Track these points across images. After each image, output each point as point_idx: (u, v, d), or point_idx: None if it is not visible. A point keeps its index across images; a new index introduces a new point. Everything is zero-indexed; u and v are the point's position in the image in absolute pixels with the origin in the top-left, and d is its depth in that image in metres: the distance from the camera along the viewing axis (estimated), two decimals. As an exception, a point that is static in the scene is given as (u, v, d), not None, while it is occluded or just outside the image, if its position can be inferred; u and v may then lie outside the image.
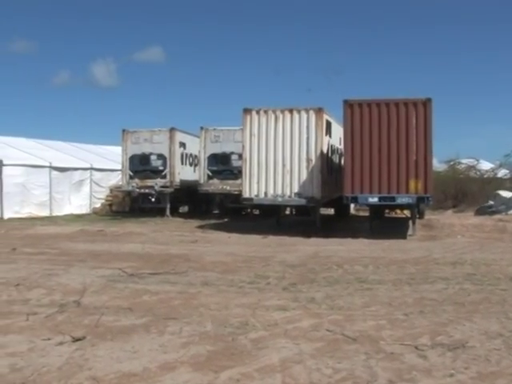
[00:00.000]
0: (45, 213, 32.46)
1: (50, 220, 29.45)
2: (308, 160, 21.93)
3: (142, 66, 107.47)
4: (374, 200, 20.17)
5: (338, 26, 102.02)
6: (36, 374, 5.83)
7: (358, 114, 20.12)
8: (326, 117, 22.56)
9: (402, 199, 20.09)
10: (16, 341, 7.03)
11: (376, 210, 22.64)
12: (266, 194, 22.05)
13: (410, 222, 21.74)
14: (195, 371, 5.90)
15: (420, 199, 20.15)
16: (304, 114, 22.08)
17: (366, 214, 24.89)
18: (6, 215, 30.54)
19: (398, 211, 28.39)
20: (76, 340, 6.96)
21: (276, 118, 22.07)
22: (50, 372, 5.91)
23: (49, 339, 7.04)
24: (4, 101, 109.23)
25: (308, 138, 21.95)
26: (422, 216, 25.71)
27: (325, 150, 22.44)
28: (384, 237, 19.38)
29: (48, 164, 33.36)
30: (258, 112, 22.20)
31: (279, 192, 21.98)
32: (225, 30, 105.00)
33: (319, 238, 19.42)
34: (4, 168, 30.90)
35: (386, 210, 27.59)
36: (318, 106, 22.26)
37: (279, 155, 21.98)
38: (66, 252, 15.93)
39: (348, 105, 20.14)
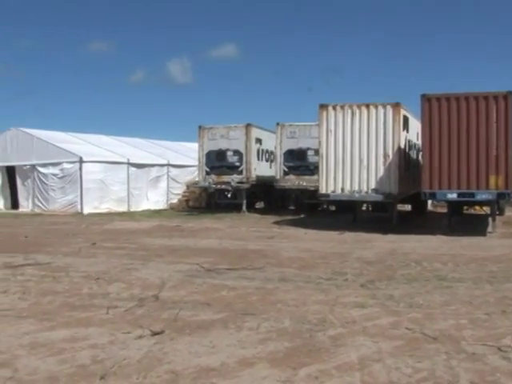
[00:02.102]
0: (123, 208, 33.07)
1: (128, 215, 29.98)
2: (385, 155, 21.67)
3: (216, 63, 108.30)
4: (452, 196, 19.78)
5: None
6: (116, 366, 5.92)
7: (437, 109, 19.74)
8: (403, 111, 22.24)
9: (482, 195, 19.63)
10: (97, 333, 7.17)
11: (455, 206, 22.21)
12: (342, 189, 21.89)
13: (490, 219, 21.22)
14: (273, 367, 5.88)
15: (500, 195, 19.66)
16: (381, 109, 21.82)
17: (444, 210, 24.48)
18: (86, 210, 31.24)
19: (477, 208, 27.80)
20: (155, 334, 7.04)
21: (352, 114, 21.88)
22: (130, 365, 6.00)
23: (128, 332, 7.15)
24: (83, 99, 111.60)
25: (385, 134, 21.68)
26: (502, 213, 25.14)
27: (402, 146, 22.13)
28: (463, 234, 19.01)
29: (126, 160, 33.95)
30: (334, 107, 22.05)
31: (356, 188, 21.79)
32: (298, 24, 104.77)
33: (396, 234, 19.18)
34: (84, 164, 31.60)
35: (465, 207, 27.03)
36: (395, 100, 22.01)
37: (356, 151, 21.79)
38: (144, 247, 16.17)
39: (426, 99, 19.78)
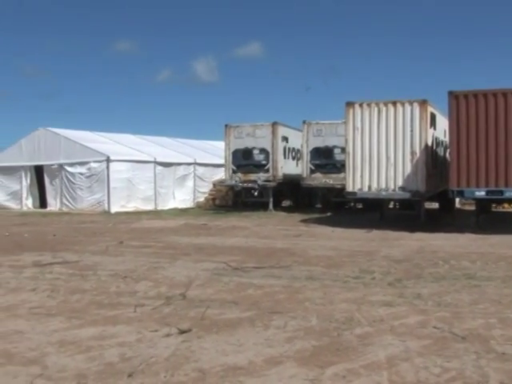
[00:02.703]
0: (150, 207, 33.23)
1: (155, 214, 30.09)
2: (412, 153, 21.55)
3: (242, 62, 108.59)
4: (480, 194, 19.60)
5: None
6: (144, 364, 5.95)
7: (464, 106, 19.56)
8: (430, 109, 22.11)
9: (511, 193, 19.44)
10: (125, 331, 7.20)
11: (483, 204, 22.02)
12: (369, 187, 21.81)
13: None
14: (300, 366, 5.87)
15: (529, 193, 19.45)
16: (408, 106, 21.70)
17: (472, 208, 24.29)
18: (113, 209, 31.43)
19: (506, 205, 27.55)
20: (182, 332, 7.06)
21: (379, 111, 21.79)
22: (157, 363, 6.02)
23: (156, 331, 7.17)
24: (110, 99, 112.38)
25: (412, 131, 21.56)
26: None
27: (429, 143, 21.99)
28: (491, 232, 18.84)
29: (153, 159, 34.10)
30: (360, 105, 21.97)
31: (383, 186, 21.71)
32: (323, 22, 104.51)
33: (424, 232, 19.05)
34: (111, 164, 31.79)
35: (493, 204, 26.79)
36: (422, 98, 21.87)
37: (383, 148, 21.70)
38: (171, 245, 16.23)
39: (453, 96, 19.62)
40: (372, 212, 25.57)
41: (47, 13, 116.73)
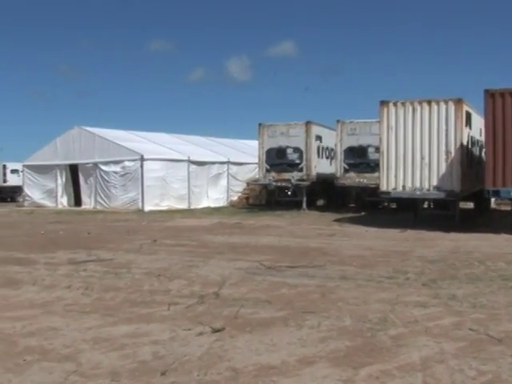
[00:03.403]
0: (183, 205, 33.36)
1: (189, 213, 30.19)
2: (447, 152, 21.33)
3: (275, 61, 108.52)
4: (517, 194, 19.35)
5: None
6: (177, 363, 5.95)
7: (500, 104, 19.28)
8: (465, 107, 21.87)
9: (548, 193, 19.15)
10: (158, 329, 7.22)
11: (519, 204, 21.75)
12: (403, 187, 21.65)
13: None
14: (334, 366, 5.84)
15: None
16: (443, 105, 21.48)
17: (508, 208, 23.98)
18: (147, 208, 31.60)
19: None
20: (215, 331, 7.06)
21: (413, 110, 21.60)
22: (190, 361, 6.02)
23: (189, 329, 7.18)
24: (144, 98, 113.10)
25: (447, 130, 21.34)
26: None
27: (464, 142, 21.76)
28: (528, 232, 18.59)
29: (186, 158, 34.22)
30: (395, 104, 21.81)
31: (417, 185, 21.52)
32: (357, 21, 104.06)
33: (459, 232, 18.85)
34: (145, 162, 31.98)
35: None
36: (457, 96, 21.66)
37: (417, 148, 21.51)
38: (205, 244, 16.26)
39: (489, 94, 19.35)
40: (406, 212, 25.35)
41: (82, 12, 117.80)
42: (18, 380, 5.54)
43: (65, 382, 5.48)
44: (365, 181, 28.89)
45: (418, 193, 21.66)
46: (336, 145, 30.32)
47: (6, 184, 50.53)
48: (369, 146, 29.05)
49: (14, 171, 49.03)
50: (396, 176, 21.65)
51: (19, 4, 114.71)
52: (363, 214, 27.60)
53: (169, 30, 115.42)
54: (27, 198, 38.39)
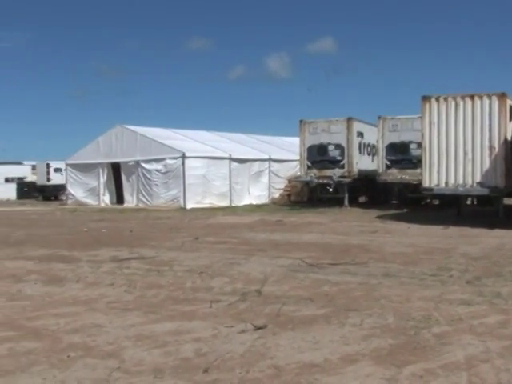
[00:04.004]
0: (225, 203, 33.43)
1: (230, 210, 30.25)
2: (491, 148, 21.03)
3: (314, 57, 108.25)
4: None
5: None
6: (220, 360, 5.95)
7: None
8: (509, 102, 21.52)
9: None
10: (200, 327, 7.24)
11: None
12: (446, 183, 21.40)
13: None
14: (377, 365, 5.78)
15: None
16: (486, 100, 21.17)
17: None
18: (189, 205, 31.75)
19: None
20: (258, 328, 7.04)
21: (456, 105, 21.33)
22: (233, 359, 6.02)
23: (231, 327, 7.18)
24: (185, 96, 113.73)
25: (490, 125, 21.03)
26: None
27: (509, 137, 21.40)
28: None
29: (228, 156, 34.28)
30: (437, 99, 21.56)
31: (460, 181, 21.26)
32: (398, 17, 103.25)
33: (503, 229, 18.56)
34: (186, 160, 32.12)
35: None
36: (501, 91, 21.33)
37: (460, 143, 21.24)
38: (247, 241, 16.27)
39: (535, 89, 19.05)
40: (449, 208, 25.09)
41: (124, 13, 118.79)
42: (62, 376, 5.60)
43: (108, 378, 5.52)
44: (407, 177, 28.64)
45: (461, 189, 21.39)
46: (377, 141, 30.12)
47: (49, 183, 51.16)
48: (410, 142, 28.80)
49: (57, 170, 49.61)
50: (439, 172, 21.41)
51: (62, 5, 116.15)
52: (405, 210, 27.34)
53: (208, 28, 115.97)
54: (70, 197, 38.87)
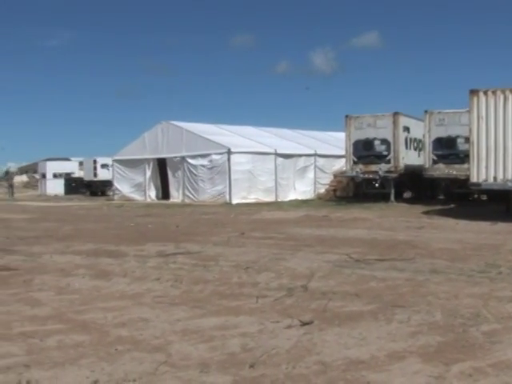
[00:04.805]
0: (270, 198, 33.45)
1: (276, 205, 30.25)
2: (540, 142, 20.64)
3: (359, 52, 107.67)
4: None
5: None
6: (266, 356, 5.95)
7: None
8: (560, 94, 21.11)
9: None
10: (247, 322, 7.24)
11: None
12: (495, 178, 21.07)
13: None
14: (424, 362, 5.71)
15: None
16: (535, 93, 20.80)
17: None
18: (234, 200, 31.84)
19: None
20: (304, 324, 7.02)
21: (505, 99, 20.97)
22: (279, 354, 6.01)
23: (278, 322, 7.17)
24: (230, 92, 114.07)
25: (540, 119, 20.65)
26: None
27: (559, 131, 21.01)
28: None
29: (273, 151, 34.28)
30: (485, 93, 21.22)
31: (509, 177, 20.90)
32: (444, 10, 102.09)
33: (554, 225, 18.25)
34: (232, 156, 32.20)
35: None
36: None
37: (509, 138, 20.87)
38: (293, 237, 16.24)
39: None
40: (497, 204, 24.71)
41: (167, 9, 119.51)
42: (110, 369, 5.65)
43: (155, 371, 5.56)
44: (454, 172, 28.29)
45: (509, 184, 21.03)
46: (424, 136, 29.78)
47: (96, 178, 51.79)
48: (458, 136, 28.39)
49: (103, 166, 50.19)
50: (487, 167, 21.08)
51: (109, 4, 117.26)
52: (452, 206, 27.02)
53: (252, 24, 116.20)
54: (117, 192, 39.30)
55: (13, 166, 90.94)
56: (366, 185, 32.02)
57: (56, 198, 49.44)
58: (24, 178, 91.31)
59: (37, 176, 72.03)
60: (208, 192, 33.39)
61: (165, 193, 36.87)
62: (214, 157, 33.03)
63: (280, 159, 34.54)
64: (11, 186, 53.49)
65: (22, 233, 18.36)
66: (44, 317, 7.67)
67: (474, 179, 21.39)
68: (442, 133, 28.92)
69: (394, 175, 30.31)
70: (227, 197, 32.40)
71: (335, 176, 36.23)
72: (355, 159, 31.21)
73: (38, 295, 9.06)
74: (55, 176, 57.83)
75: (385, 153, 30.58)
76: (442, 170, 28.87)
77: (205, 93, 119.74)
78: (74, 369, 5.68)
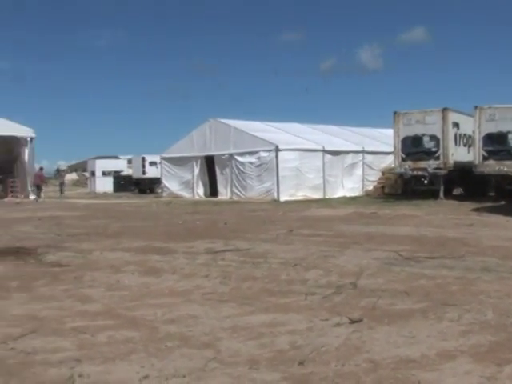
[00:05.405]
0: (318, 195, 33.41)
1: (324, 202, 30.18)
2: None
3: (407, 48, 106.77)
4: None
5: None
6: (315, 353, 5.92)
7: None
8: None
9: None
10: (295, 319, 7.22)
11: None
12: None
13: None
14: (476, 362, 5.63)
15: None
16: None
17: None
18: (282, 198, 31.88)
19: None
20: (353, 322, 6.98)
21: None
22: (328, 352, 5.98)
23: (326, 319, 7.14)
24: (276, 89, 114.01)
25: None
26: None
27: None
28: None
29: (321, 148, 34.22)
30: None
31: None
32: (494, 5, 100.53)
33: None
34: (280, 153, 32.23)
35: None
36: None
37: None
38: (341, 234, 16.17)
39: None
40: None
41: (212, 6, 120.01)
42: (160, 365, 5.69)
43: (204, 368, 5.58)
44: (505, 168, 27.86)
45: None
46: (474, 132, 29.36)
47: (145, 176, 52.28)
48: (509, 132, 27.98)
49: (152, 163, 50.65)
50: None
51: (154, 3, 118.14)
52: (503, 203, 26.63)
53: (299, 20, 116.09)
54: (165, 189, 39.66)
55: (63, 165, 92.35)
56: (414, 182, 31.79)
57: (105, 195, 50.08)
58: (74, 176, 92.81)
59: (86, 174, 73.10)
60: (256, 189, 33.47)
61: (213, 190, 37.07)
62: (262, 154, 33.09)
63: (328, 156, 34.46)
64: (62, 184, 54.28)
65: (72, 230, 18.61)
66: (95, 312, 7.77)
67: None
68: (493, 128, 28.48)
69: (443, 172, 30.01)
70: (275, 194, 32.44)
71: (383, 173, 36.02)
72: (404, 156, 30.98)
73: (89, 291, 9.17)
74: (104, 174, 58.62)
75: (434, 149, 30.29)
76: (493, 167, 28.44)
77: (251, 89, 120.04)
78: (124, 364, 5.74)
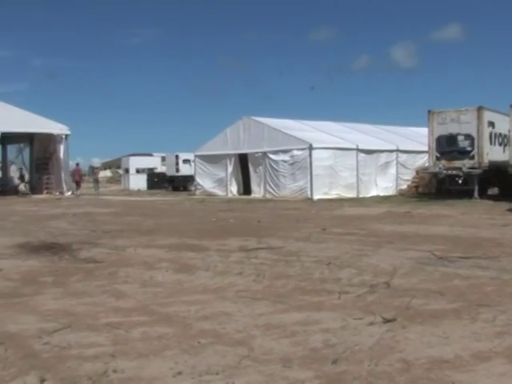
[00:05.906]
0: (351, 194, 33.29)
1: (357, 201, 30.08)
2: None
3: (441, 45, 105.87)
4: None
5: None
6: (348, 352, 5.93)
7: None
8: None
9: None
10: (329, 318, 7.23)
11: None
12: None
13: None
14: (511, 363, 5.60)
15: None
16: None
17: None
18: (316, 196, 31.82)
19: None
20: (387, 321, 6.97)
21: None
22: (361, 351, 5.98)
23: (360, 318, 7.14)
24: (309, 86, 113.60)
25: None
26: None
27: None
28: None
29: (355, 147, 34.09)
30: None
31: None
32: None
33: None
34: (313, 151, 32.18)
35: None
36: None
37: None
38: (374, 233, 16.11)
39: None
40: None
41: (246, 9, 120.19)
42: (193, 361, 5.74)
43: (238, 365, 5.61)
44: (541, 168, 27.52)
45: None
46: (510, 131, 29.03)
47: (178, 174, 52.44)
48: (546, 131, 27.64)
49: (185, 161, 50.77)
50: None
51: (189, 3, 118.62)
52: (540, 203, 26.30)
53: (332, 18, 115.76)
54: (198, 187, 39.78)
55: (97, 162, 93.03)
56: (448, 181, 31.54)
57: (139, 192, 50.40)
58: (108, 173, 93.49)
59: (120, 171, 73.60)
60: (289, 187, 33.45)
61: (246, 188, 37.12)
62: (296, 152, 33.07)
63: (362, 155, 34.33)
64: (96, 181, 54.75)
65: (106, 226, 18.80)
66: (129, 308, 7.85)
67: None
68: (530, 128, 28.15)
69: (477, 171, 29.72)
70: (308, 192, 32.40)
71: (417, 172, 35.79)
72: (438, 155, 30.75)
73: (123, 287, 9.27)
74: (138, 171, 58.96)
75: (468, 148, 30.02)
76: (529, 167, 28.10)
77: (284, 87, 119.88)
78: (157, 360, 5.80)
